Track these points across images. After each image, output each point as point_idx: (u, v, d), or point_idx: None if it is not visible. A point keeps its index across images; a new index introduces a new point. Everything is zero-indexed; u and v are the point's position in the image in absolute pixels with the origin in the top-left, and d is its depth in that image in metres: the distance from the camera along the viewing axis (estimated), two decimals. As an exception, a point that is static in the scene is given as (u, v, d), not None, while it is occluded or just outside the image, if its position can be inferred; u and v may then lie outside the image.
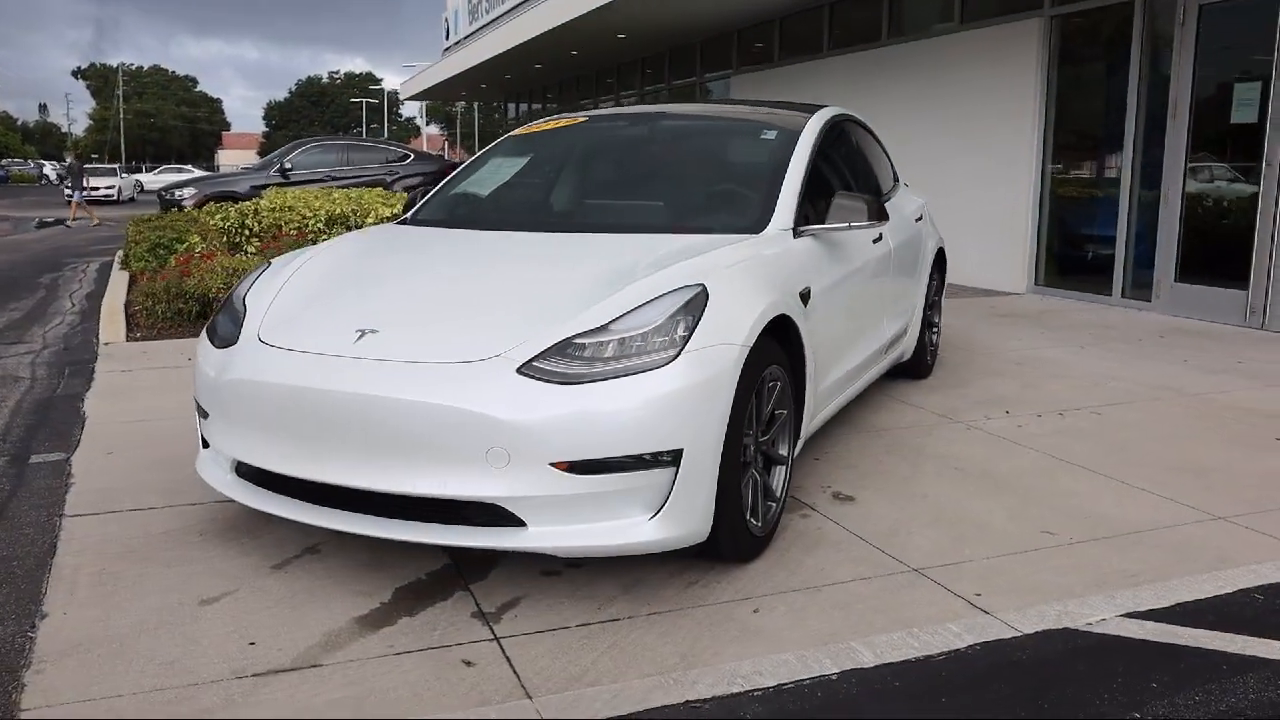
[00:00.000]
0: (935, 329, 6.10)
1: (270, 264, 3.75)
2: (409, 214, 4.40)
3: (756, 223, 3.73)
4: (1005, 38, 10.01)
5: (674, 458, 2.81)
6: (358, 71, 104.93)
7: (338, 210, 8.97)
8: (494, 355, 2.84)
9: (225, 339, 3.32)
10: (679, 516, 2.85)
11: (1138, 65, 8.67)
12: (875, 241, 4.58)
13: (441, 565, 3.22)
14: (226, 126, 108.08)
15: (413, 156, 17.65)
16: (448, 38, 27.84)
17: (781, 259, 3.56)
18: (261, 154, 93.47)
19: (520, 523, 2.80)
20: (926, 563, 3.28)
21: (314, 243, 8.68)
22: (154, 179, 43.96)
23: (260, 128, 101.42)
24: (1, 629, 2.79)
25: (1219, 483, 4.10)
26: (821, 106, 4.70)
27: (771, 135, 4.27)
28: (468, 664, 2.61)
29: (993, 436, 4.78)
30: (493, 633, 2.78)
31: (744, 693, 2.47)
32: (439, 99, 39.58)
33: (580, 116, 4.80)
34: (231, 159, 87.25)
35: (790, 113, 4.56)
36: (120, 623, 2.83)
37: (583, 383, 2.77)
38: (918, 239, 5.47)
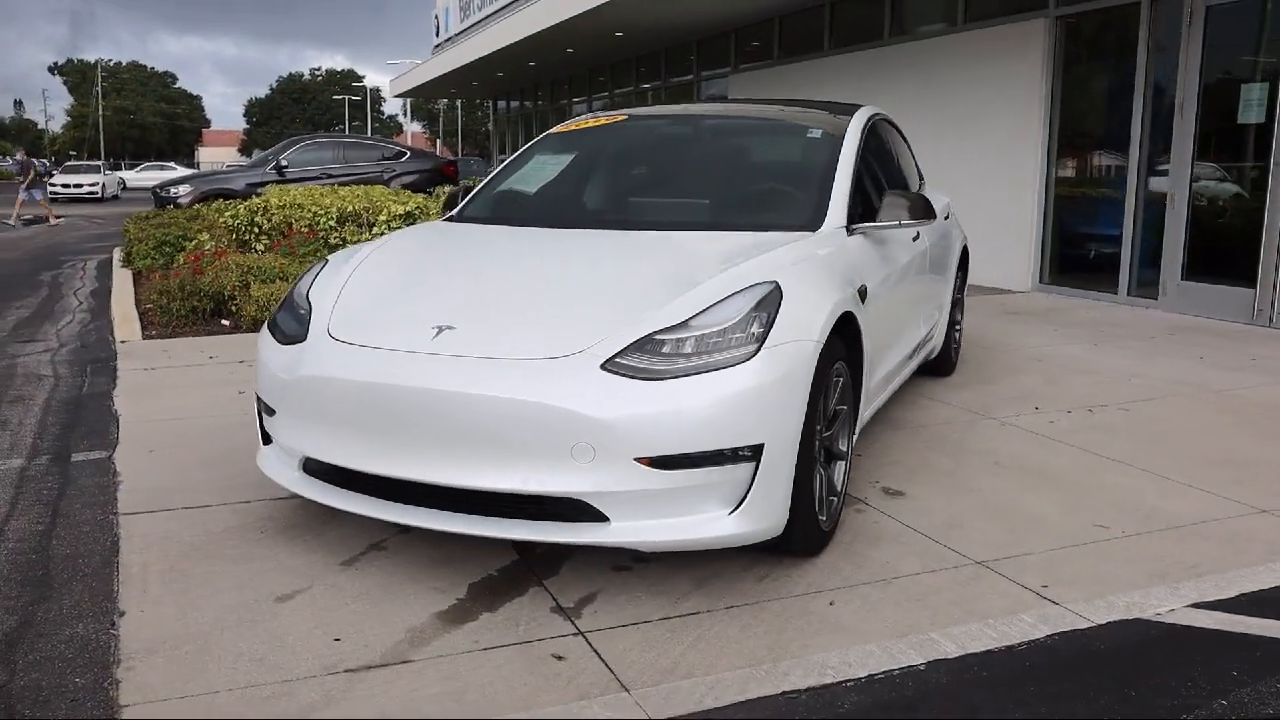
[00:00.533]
0: (958, 327, 6.16)
1: (329, 260, 3.75)
2: (455, 210, 4.41)
3: (811, 221, 3.77)
4: (1010, 38, 10.10)
5: (754, 453, 2.84)
6: (339, 69, 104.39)
7: (349, 208, 8.94)
8: (576, 351, 2.86)
9: (291, 335, 3.32)
10: (758, 511, 2.88)
11: (1144, 65, 8.76)
12: (914, 240, 4.62)
13: (510, 561, 3.24)
14: (206, 123, 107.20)
15: (409, 154, 17.61)
16: (438, 35, 27.77)
17: (839, 256, 3.59)
18: (243, 151, 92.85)
19: (603, 518, 2.82)
20: (988, 556, 3.32)
21: (326, 241, 8.67)
22: (137, 176, 43.59)
23: (241, 125, 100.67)
24: (83, 626, 2.79)
25: (1257, 477, 4.17)
26: (858, 106, 4.74)
27: (817, 134, 4.30)
28: (558, 658, 2.63)
29: (1027, 433, 4.84)
30: (576, 627, 2.80)
31: (837, 683, 2.50)
32: (429, 96, 39.50)
33: (619, 115, 4.82)
34: (212, 156, 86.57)
35: (828, 113, 4.59)
36: (199, 620, 2.83)
37: (667, 379, 2.80)
38: (948, 237, 5.53)
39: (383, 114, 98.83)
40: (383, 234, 8.72)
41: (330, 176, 16.12)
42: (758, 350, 2.88)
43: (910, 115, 11.39)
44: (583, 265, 3.53)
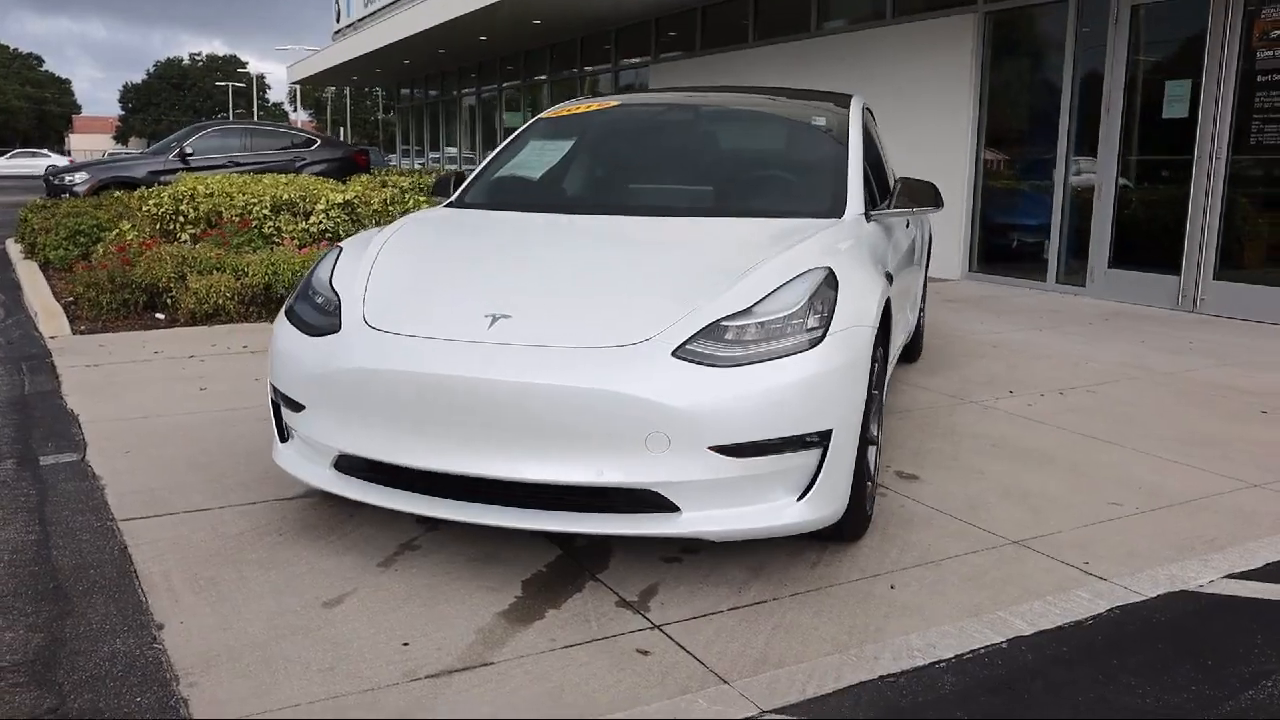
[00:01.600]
0: (922, 313, 6.29)
1: (342, 248, 3.57)
2: (455, 196, 4.26)
3: (833, 208, 3.78)
4: (939, 31, 10.36)
5: (822, 439, 2.83)
6: (219, 54, 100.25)
7: (284, 196, 8.58)
8: (644, 339, 2.79)
9: (320, 327, 3.15)
10: (824, 497, 2.87)
11: (1071, 60, 9.11)
12: (907, 227, 4.69)
13: (555, 556, 3.16)
14: (77, 109, 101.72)
15: (319, 142, 17.04)
16: (338, 20, 26.94)
17: (867, 242, 3.61)
18: (118, 139, 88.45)
19: (674, 508, 2.77)
20: (1022, 535, 3.39)
21: (260, 230, 8.32)
22: (8, 164, 41.09)
23: (115, 110, 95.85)
24: (122, 641, 2.60)
25: (1235, 454, 4.37)
26: (848, 94, 4.77)
27: (821, 121, 4.32)
28: (643, 653, 2.57)
29: (1011, 415, 4.97)
30: (649, 620, 2.75)
31: (928, 665, 2.52)
32: (331, 84, 38.31)
33: (611, 100, 4.75)
34: (86, 144, 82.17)
35: (826, 101, 4.62)
36: (248, 630, 2.67)
37: (738, 365, 2.76)
38: (923, 225, 5.63)
39: (267, 101, 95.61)
40: (320, 223, 8.42)
41: (237, 165, 15.49)
42: (823, 336, 2.87)
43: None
44: (621, 251, 3.46)
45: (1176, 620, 2.79)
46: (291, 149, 16.38)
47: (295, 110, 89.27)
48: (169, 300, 7.27)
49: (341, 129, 76.88)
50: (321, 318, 3.19)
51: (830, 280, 3.02)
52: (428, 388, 2.81)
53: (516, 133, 4.56)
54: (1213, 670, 2.52)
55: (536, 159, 4.45)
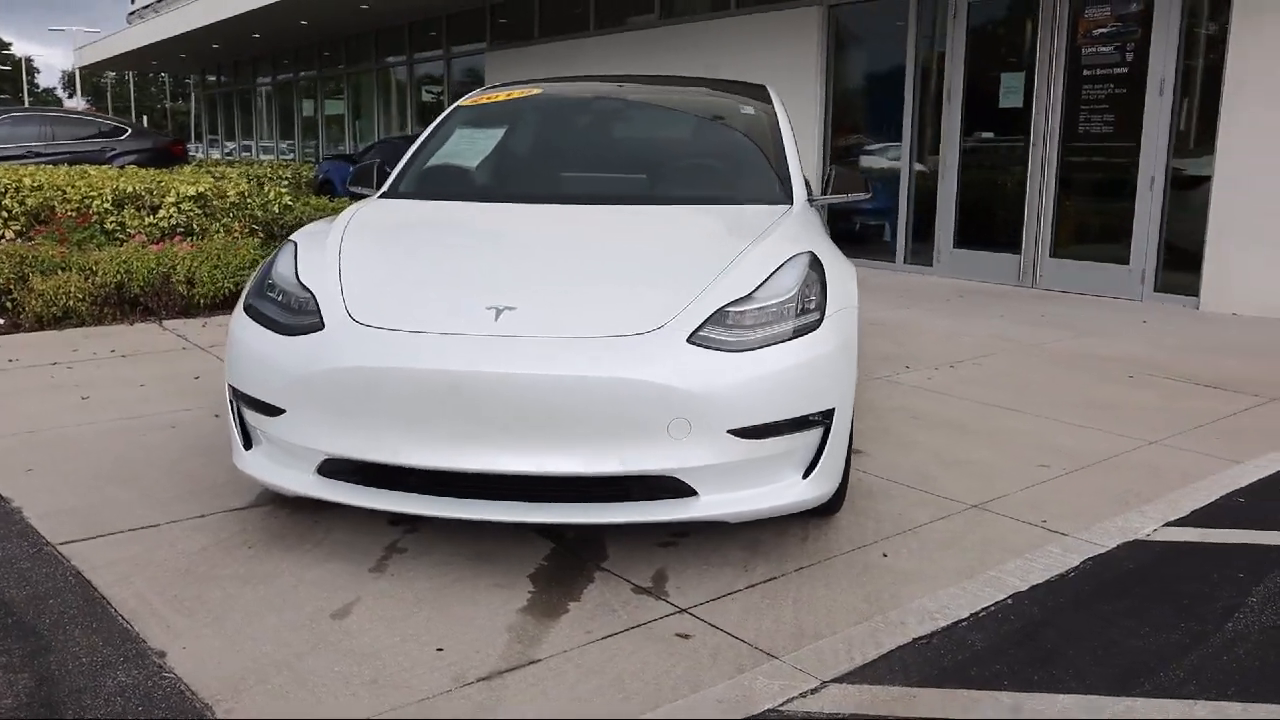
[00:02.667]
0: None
1: (296, 242, 3.36)
2: (388, 187, 4.08)
3: (783, 195, 3.88)
4: (785, 23, 10.73)
5: (824, 417, 2.93)
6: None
7: (128, 188, 7.93)
8: (657, 327, 2.80)
9: (296, 326, 2.97)
10: (827, 474, 2.97)
11: (913, 52, 9.65)
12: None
13: (550, 550, 3.12)
14: None
15: (129, 131, 15.83)
16: (133, 1, 25.05)
17: (820, 228, 3.74)
18: None
19: (691, 493, 2.80)
20: (976, 499, 3.62)
21: (102, 226, 7.70)
22: None
23: None
24: (126, 674, 2.38)
25: (1123, 415, 4.80)
26: (759, 84, 4.90)
27: (750, 111, 4.42)
28: (683, 636, 2.60)
29: (917, 389, 5.26)
30: (673, 604, 2.77)
31: (952, 625, 2.66)
32: (126, 69, 35.45)
33: (533, 89, 4.68)
34: None
35: (746, 89, 4.73)
36: (262, 649, 2.51)
37: (748, 350, 2.81)
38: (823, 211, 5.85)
39: (37, 87, 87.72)
40: (171, 217, 7.87)
41: (37, 155, 14.18)
42: (821, 318, 2.96)
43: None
44: (601, 240, 3.43)
45: (1141, 568, 3.06)
46: (99, 138, 15.14)
47: (72, 97, 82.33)
48: (9, 303, 6.62)
49: (142, 118, 71.42)
50: (296, 316, 3.01)
51: (815, 264, 3.12)
52: (435, 384, 2.71)
53: (438, 121, 4.42)
54: (1190, 609, 2.78)
55: (468, 148, 4.34)
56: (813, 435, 2.92)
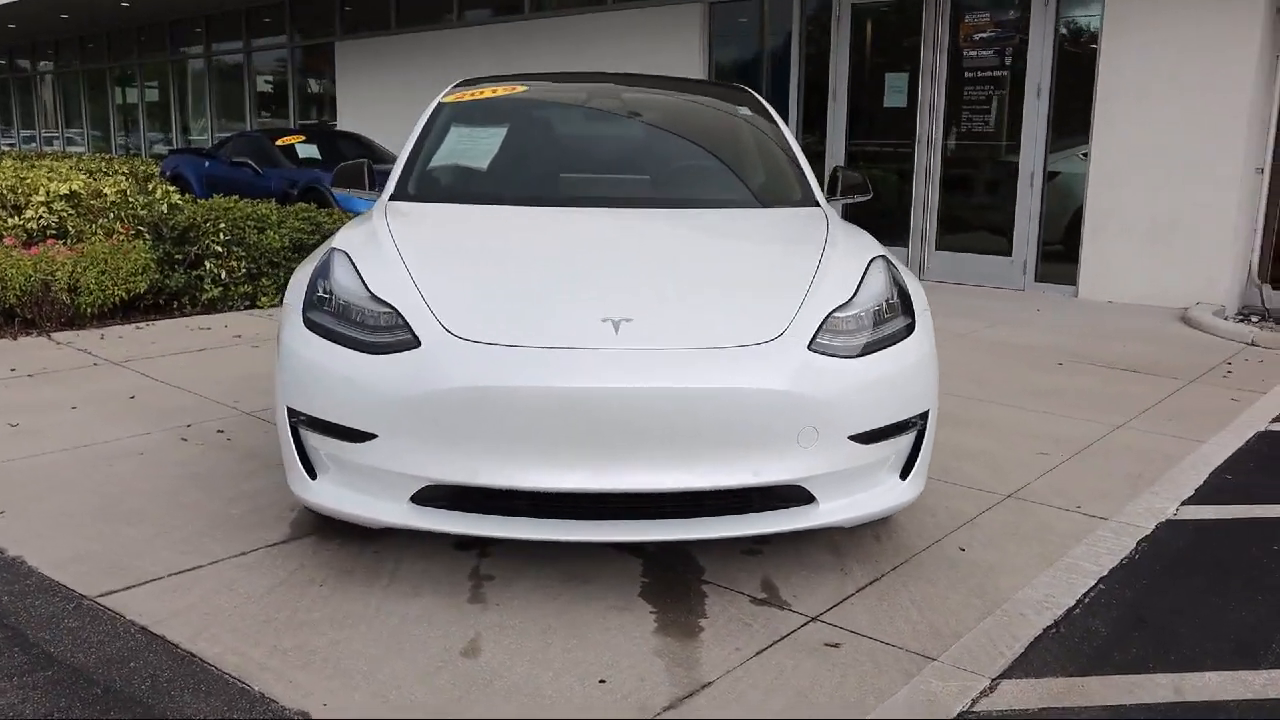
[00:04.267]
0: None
1: (345, 252, 3.09)
2: (394, 190, 3.82)
3: (806, 196, 3.91)
4: (665, 19, 10.79)
5: (921, 419, 2.99)
6: None
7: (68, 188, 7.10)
8: (776, 336, 2.77)
9: (385, 343, 2.75)
10: (921, 474, 3.04)
11: (799, 51, 9.93)
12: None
13: (640, 567, 3.04)
14: None
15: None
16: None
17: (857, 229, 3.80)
18: None
19: (811, 500, 2.79)
20: (1006, 489, 3.79)
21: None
22: None
23: None
24: (278, 737, 2.16)
25: (1076, 400, 5.13)
26: (736, 84, 4.92)
27: (748, 112, 4.42)
28: (833, 645, 2.60)
29: (881, 381, 5.43)
30: (802, 614, 2.76)
31: (1067, 613, 2.78)
32: None
33: (518, 85, 4.50)
34: None
35: (726, 90, 4.74)
36: (414, 697, 2.34)
37: (859, 356, 2.84)
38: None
39: None
40: (41, 217, 7.14)
41: None
42: (913, 321, 3.02)
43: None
44: (675, 246, 3.36)
45: (1189, 546, 3.29)
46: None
47: None
48: None
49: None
50: (379, 333, 2.79)
51: (891, 267, 3.18)
52: (560, 401, 2.59)
53: (427, 120, 4.17)
54: (1256, 580, 3.02)
55: (470, 147, 4.13)
56: (909, 437, 2.98)
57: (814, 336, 2.81)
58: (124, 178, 9.32)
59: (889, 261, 3.21)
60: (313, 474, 2.91)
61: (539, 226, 3.45)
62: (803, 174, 4.03)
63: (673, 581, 2.95)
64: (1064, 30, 8.37)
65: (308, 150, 10.87)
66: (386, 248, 3.12)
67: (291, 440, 2.91)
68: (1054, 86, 8.39)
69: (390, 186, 3.86)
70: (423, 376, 2.66)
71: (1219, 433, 4.55)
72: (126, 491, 3.60)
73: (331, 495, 2.86)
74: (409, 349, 2.72)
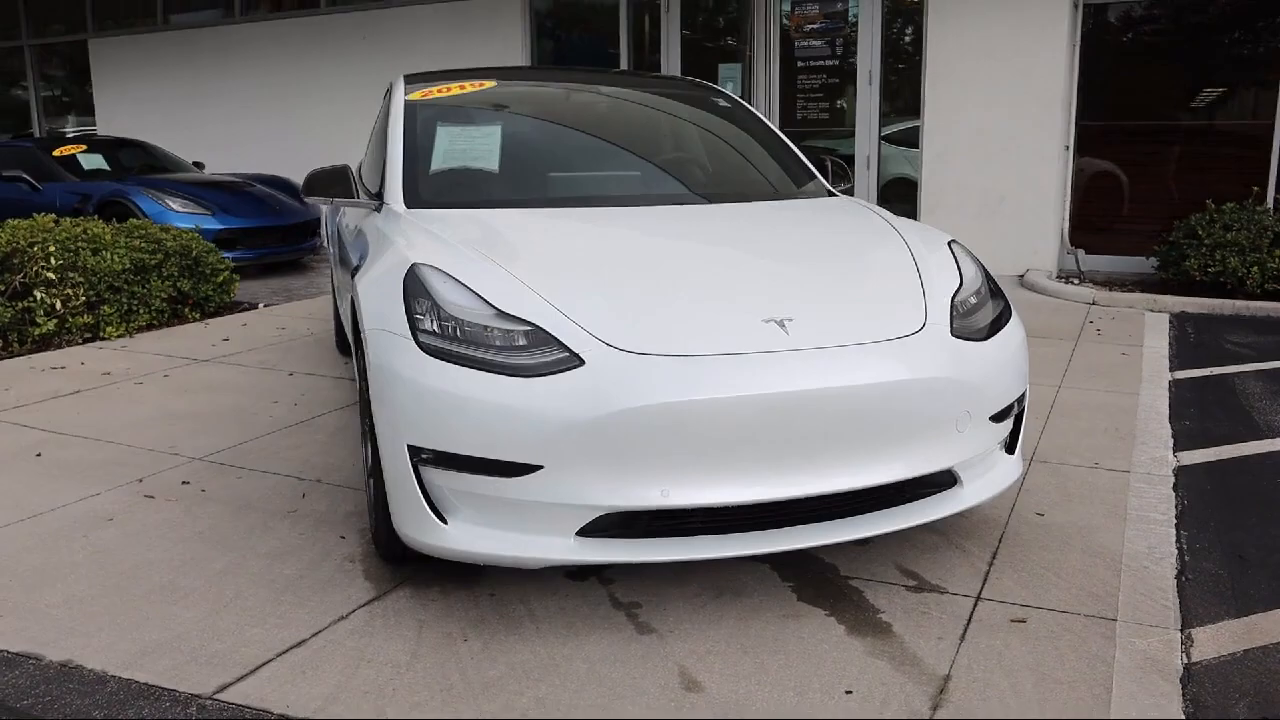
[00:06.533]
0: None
1: (437, 267, 2.76)
2: (407, 196, 3.46)
3: (818, 186, 3.94)
4: (487, 11, 10.50)
5: (1022, 397, 3.10)
6: None
7: None
8: (922, 326, 2.79)
9: (540, 364, 2.49)
10: (1020, 450, 3.15)
11: (628, 42, 9.95)
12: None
13: (779, 571, 2.97)
14: None
15: None
16: None
17: None
18: None
19: (956, 483, 2.83)
20: (1025, 453, 4.00)
21: None
22: None
23: None
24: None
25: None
26: (697, 79, 4.89)
27: (727, 104, 4.38)
28: (1019, 621, 2.66)
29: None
30: (965, 594, 2.81)
31: (1179, 558, 2.99)
32: None
33: (487, 81, 4.22)
34: None
35: (689, 83, 4.69)
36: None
37: (987, 338, 2.90)
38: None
39: None
40: None
41: None
42: (1006, 304, 3.12)
43: (368, 88, 11.04)
44: (766, 241, 3.27)
45: (1219, 487, 3.63)
46: None
47: None
48: None
49: None
50: (525, 353, 2.53)
51: (966, 250, 3.27)
52: (759, 408, 2.47)
53: (403, 121, 3.79)
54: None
55: (468, 148, 3.79)
56: (1012, 416, 3.08)
57: (951, 323, 2.85)
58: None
59: (960, 244, 3.30)
60: (441, 518, 2.61)
61: (610, 229, 3.25)
62: (804, 164, 4.06)
63: (819, 583, 2.90)
64: (891, 18, 8.92)
65: (92, 161, 9.68)
66: (472, 258, 2.83)
67: (418, 485, 2.59)
68: (884, 75, 8.93)
69: (396, 193, 3.51)
70: (598, 397, 2.44)
71: (1142, 385, 5.04)
72: (136, 565, 3.07)
73: (472, 539, 2.58)
74: (572, 368, 2.49)
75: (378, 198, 3.63)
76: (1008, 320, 3.04)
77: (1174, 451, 4.02)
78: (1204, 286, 7.23)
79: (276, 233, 9.16)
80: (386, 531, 2.84)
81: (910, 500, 2.79)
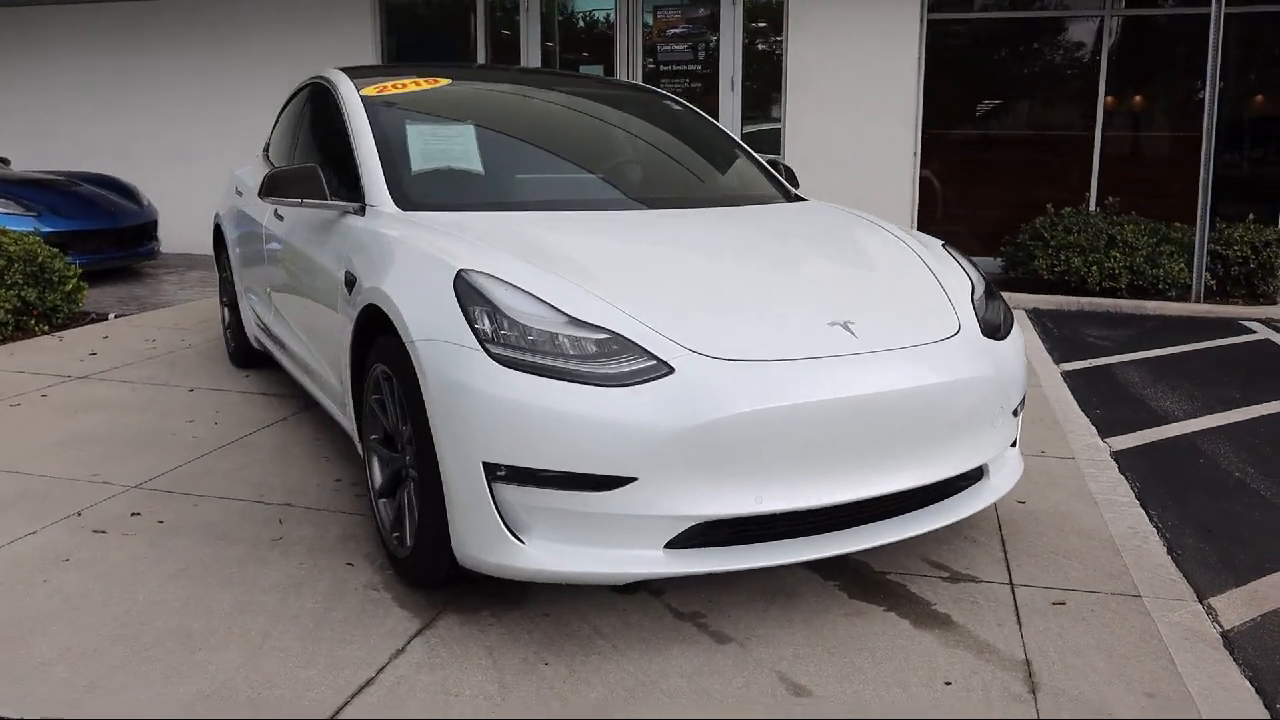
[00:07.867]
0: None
1: (485, 273, 2.60)
2: (395, 197, 3.24)
3: (786, 191, 4.03)
4: (334, 6, 10.02)
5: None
6: None
7: None
8: (959, 326, 2.90)
9: (627, 373, 2.41)
10: (1019, 444, 3.35)
11: (485, 42, 9.77)
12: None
13: (817, 572, 3.02)
14: None
15: None
16: None
17: None
18: None
19: (984, 477, 2.98)
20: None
21: None
22: None
23: None
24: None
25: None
26: (640, 83, 4.87)
27: (679, 108, 4.39)
28: (1059, 604, 2.82)
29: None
30: (1001, 581, 2.95)
31: (1159, 531, 3.28)
32: None
33: (440, 79, 4.02)
34: None
35: (639, 85, 4.68)
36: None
37: (1007, 335, 3.07)
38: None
39: None
40: None
41: None
42: (1004, 300, 3.31)
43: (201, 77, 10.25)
44: (787, 246, 3.30)
45: (1158, 468, 4.00)
46: None
47: None
48: None
49: None
50: (610, 362, 2.44)
51: (959, 253, 3.44)
52: (845, 411, 2.51)
53: (366, 118, 3.56)
54: (1239, 481, 3.77)
55: (444, 148, 3.57)
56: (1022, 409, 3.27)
57: (979, 322, 2.99)
58: None
59: (951, 247, 3.47)
60: (517, 537, 2.49)
61: (641, 232, 3.20)
62: (766, 168, 4.14)
63: (861, 581, 2.97)
64: (751, 25, 9.19)
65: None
66: (526, 269, 2.71)
67: (494, 505, 2.46)
68: (745, 81, 9.20)
69: (381, 195, 3.31)
70: (693, 405, 2.40)
71: (1040, 378, 5.45)
72: (128, 609, 2.75)
73: (555, 557, 2.47)
74: (661, 376, 2.44)
75: (353, 200, 3.41)
76: (1012, 317, 3.23)
77: (1102, 438, 4.38)
78: (1050, 284, 7.90)
79: (111, 236, 8.38)
80: (429, 555, 2.68)
81: (948, 496, 2.90)
